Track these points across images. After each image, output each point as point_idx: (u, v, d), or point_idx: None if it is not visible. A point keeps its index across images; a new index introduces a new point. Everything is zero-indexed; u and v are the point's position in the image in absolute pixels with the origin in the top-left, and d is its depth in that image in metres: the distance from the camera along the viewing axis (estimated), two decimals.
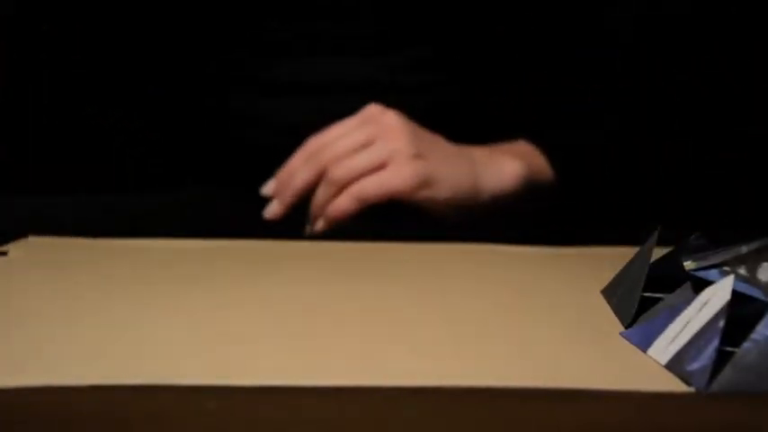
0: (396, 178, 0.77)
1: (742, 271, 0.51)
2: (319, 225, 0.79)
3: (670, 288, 0.53)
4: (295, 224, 0.79)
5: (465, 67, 0.82)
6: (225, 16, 0.83)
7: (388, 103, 0.81)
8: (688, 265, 0.52)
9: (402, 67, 0.84)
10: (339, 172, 0.78)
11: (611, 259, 0.65)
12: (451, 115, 0.84)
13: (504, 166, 0.81)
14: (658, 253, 0.57)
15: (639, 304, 0.54)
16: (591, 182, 0.83)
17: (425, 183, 0.78)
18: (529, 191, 0.82)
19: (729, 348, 0.45)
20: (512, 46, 0.83)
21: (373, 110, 0.79)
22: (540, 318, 0.56)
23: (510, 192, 0.81)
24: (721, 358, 0.44)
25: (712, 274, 0.52)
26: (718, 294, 0.47)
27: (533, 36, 0.85)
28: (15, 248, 0.71)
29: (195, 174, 0.89)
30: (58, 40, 0.83)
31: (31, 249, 0.71)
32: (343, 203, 0.77)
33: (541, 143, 0.83)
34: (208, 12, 0.83)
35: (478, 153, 0.81)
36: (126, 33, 0.82)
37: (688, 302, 0.49)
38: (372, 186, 0.77)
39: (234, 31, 0.83)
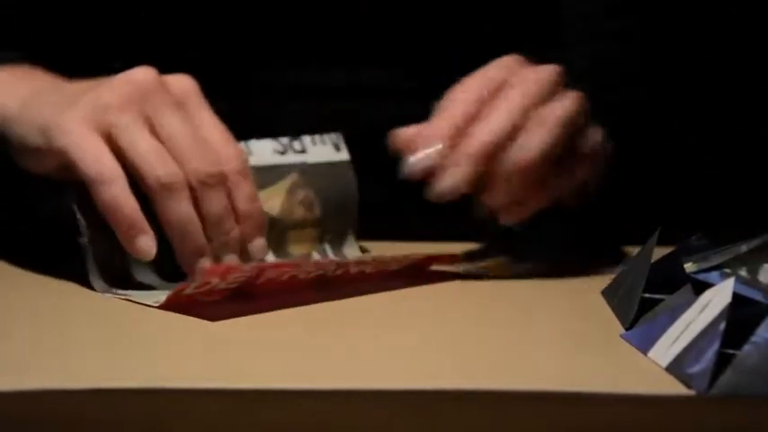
0: (569, 100, 0.68)
1: (743, 273, 0.51)
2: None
3: (671, 289, 0.53)
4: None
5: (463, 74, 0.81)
6: (227, 21, 0.83)
7: (386, 107, 0.81)
8: (689, 267, 0.52)
9: (400, 74, 0.83)
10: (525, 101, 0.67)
11: (611, 259, 0.65)
12: None
13: None
14: (659, 253, 0.57)
15: (640, 305, 0.54)
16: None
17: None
18: None
19: (730, 351, 0.45)
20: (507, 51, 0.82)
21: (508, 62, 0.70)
22: (540, 320, 0.56)
23: None
24: (722, 361, 0.44)
25: (713, 276, 0.51)
26: (718, 296, 0.47)
27: (531, 37, 0.85)
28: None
29: None
30: (61, 42, 0.82)
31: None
32: (543, 137, 0.66)
33: None
34: (209, 17, 0.82)
35: None
36: (131, 36, 0.81)
37: (688, 304, 0.49)
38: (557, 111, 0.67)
39: (236, 36, 0.83)
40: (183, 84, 0.65)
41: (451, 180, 0.65)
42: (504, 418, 0.44)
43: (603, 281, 0.61)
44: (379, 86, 0.84)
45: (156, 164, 0.60)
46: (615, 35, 0.85)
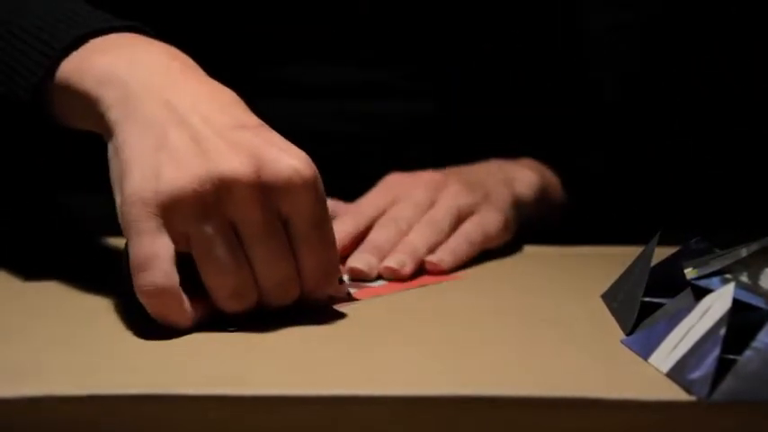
0: (492, 225, 0.72)
1: (743, 278, 0.51)
2: (445, 263, 0.68)
3: (671, 293, 0.53)
4: None
5: (462, 79, 0.81)
6: (229, 19, 0.83)
7: (388, 105, 0.80)
8: (689, 272, 0.52)
9: (401, 74, 0.83)
10: (439, 215, 0.70)
11: (612, 260, 0.65)
12: (452, 121, 0.84)
13: (520, 175, 0.78)
14: (659, 253, 0.56)
15: (640, 310, 0.54)
16: (600, 195, 0.81)
17: (510, 226, 0.74)
18: (543, 204, 0.79)
19: (731, 356, 0.45)
20: (505, 57, 0.82)
21: (396, 177, 0.74)
22: (540, 324, 0.56)
23: (531, 203, 0.78)
24: (723, 367, 0.44)
25: (714, 282, 0.51)
26: (718, 302, 0.47)
27: (528, 44, 0.85)
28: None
29: None
30: None
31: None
32: (461, 246, 0.69)
33: (548, 158, 0.81)
34: (210, 14, 0.82)
35: (495, 169, 0.78)
36: None
37: (689, 309, 0.49)
38: (475, 230, 0.71)
39: (237, 34, 0.83)
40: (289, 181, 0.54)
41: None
42: (502, 424, 0.44)
43: (603, 284, 0.61)
44: (380, 86, 0.84)
45: (229, 290, 0.53)
46: (618, 40, 0.85)
